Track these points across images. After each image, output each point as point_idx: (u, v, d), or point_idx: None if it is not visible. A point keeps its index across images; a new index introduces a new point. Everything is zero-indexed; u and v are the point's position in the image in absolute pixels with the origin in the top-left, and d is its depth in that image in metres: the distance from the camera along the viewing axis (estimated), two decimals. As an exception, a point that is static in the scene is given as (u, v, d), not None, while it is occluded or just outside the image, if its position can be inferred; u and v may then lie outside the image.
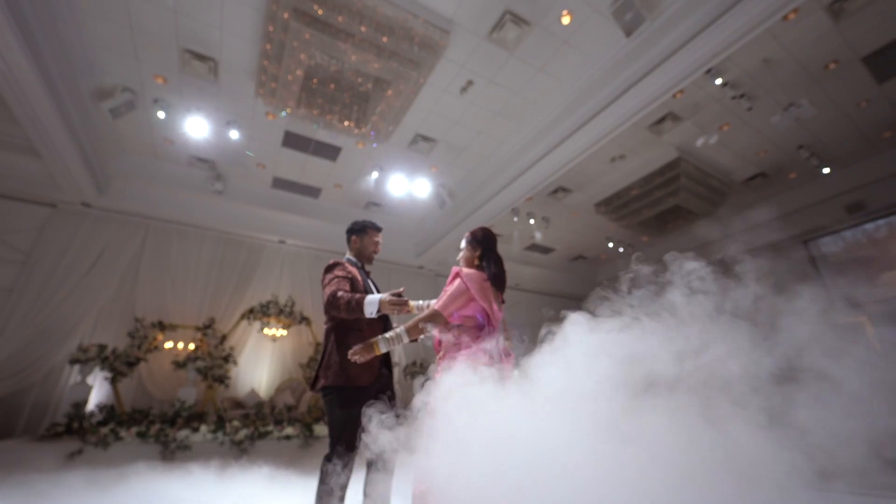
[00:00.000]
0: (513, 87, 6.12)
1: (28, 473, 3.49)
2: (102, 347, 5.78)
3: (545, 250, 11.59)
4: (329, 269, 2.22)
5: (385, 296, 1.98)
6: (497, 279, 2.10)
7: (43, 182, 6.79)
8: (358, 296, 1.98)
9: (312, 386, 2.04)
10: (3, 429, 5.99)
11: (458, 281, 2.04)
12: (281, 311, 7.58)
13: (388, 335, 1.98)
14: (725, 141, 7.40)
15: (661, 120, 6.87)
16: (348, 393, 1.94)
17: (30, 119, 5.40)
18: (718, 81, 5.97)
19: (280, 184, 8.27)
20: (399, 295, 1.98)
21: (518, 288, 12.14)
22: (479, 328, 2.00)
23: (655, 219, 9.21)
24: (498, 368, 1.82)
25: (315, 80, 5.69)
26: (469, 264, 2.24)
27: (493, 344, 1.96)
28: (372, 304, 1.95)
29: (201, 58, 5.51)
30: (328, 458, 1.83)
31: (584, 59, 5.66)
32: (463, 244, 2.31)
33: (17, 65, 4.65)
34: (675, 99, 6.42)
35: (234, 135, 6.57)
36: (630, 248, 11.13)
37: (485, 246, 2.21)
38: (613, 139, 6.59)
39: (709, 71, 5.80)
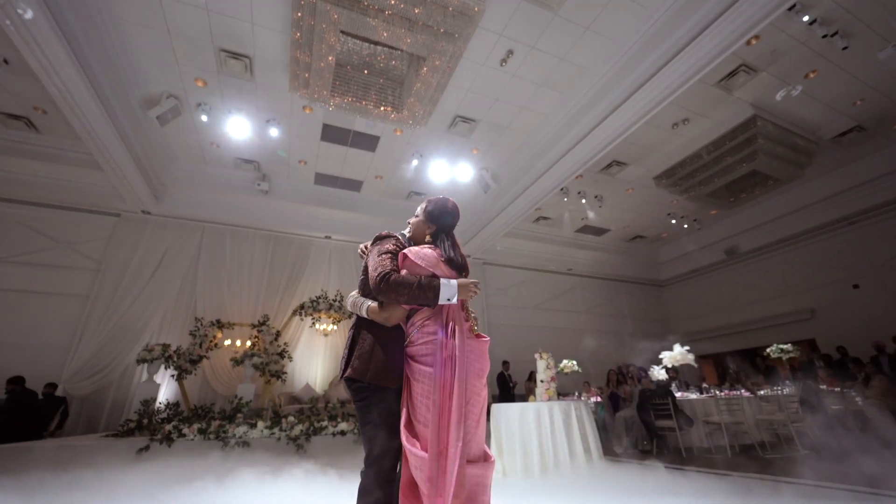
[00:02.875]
0: (558, 53, 5.58)
1: (89, 470, 3.65)
2: (166, 347, 6.04)
3: (599, 231, 10.84)
4: (380, 239, 1.87)
5: (464, 281, 1.69)
6: (454, 262, 1.79)
7: (106, 193, 7.21)
8: (432, 281, 1.66)
9: (343, 375, 1.73)
10: (90, 424, 6.50)
11: (408, 265, 1.75)
12: (331, 306, 7.60)
13: (358, 301, 1.79)
14: (812, 91, 6.37)
15: (733, 73, 6.01)
16: (392, 395, 1.66)
17: (88, 133, 5.67)
18: (805, 18, 5.07)
19: (322, 179, 8.27)
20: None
21: (571, 273, 11.50)
22: (441, 309, 1.69)
23: (727, 188, 8.23)
24: (463, 350, 1.62)
25: (348, 67, 5.50)
26: (418, 234, 1.96)
27: (458, 325, 1.67)
28: (450, 288, 1.65)
29: (236, 56, 5.49)
30: (367, 476, 1.57)
31: (640, 9, 5.01)
32: (419, 210, 1.99)
33: (71, 79, 4.84)
34: (749, 46, 5.57)
35: (274, 132, 6.59)
36: (696, 223, 10.12)
37: (440, 226, 1.91)
38: (675, 100, 5.85)
39: (792, 7, 4.93)
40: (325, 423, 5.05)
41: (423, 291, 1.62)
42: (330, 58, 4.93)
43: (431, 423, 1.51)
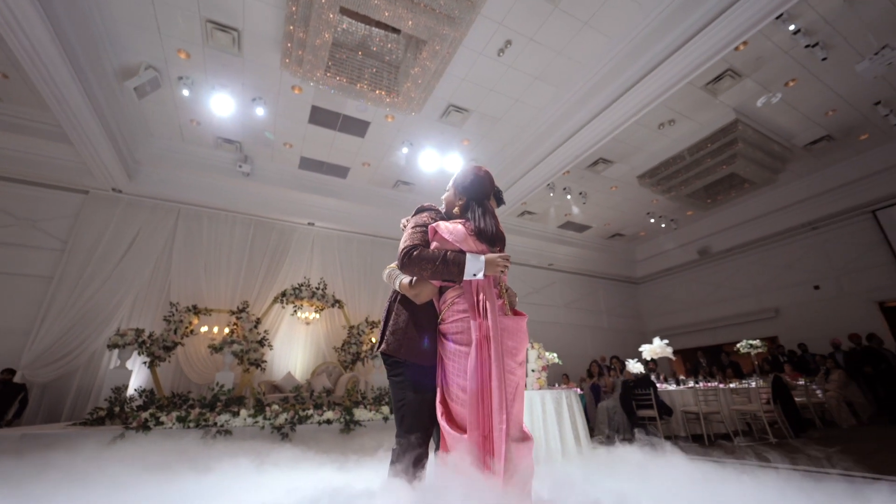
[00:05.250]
0: (555, 46, 5.60)
1: (60, 458, 3.41)
2: (139, 332, 5.73)
3: (581, 228, 11.05)
4: (418, 212, 1.86)
5: (492, 256, 1.62)
6: (484, 234, 1.70)
7: (74, 169, 6.74)
8: (455, 255, 1.59)
9: (378, 348, 1.73)
10: (51, 413, 6.10)
11: (434, 242, 1.72)
12: (313, 294, 7.42)
13: (393, 274, 1.79)
14: (790, 99, 6.67)
15: (719, 77, 6.21)
16: (425, 372, 1.64)
17: (57, 101, 5.27)
18: (791, 28, 5.29)
19: (307, 164, 8.03)
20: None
21: (552, 268, 11.68)
22: (471, 286, 1.67)
23: (705, 190, 8.55)
24: (499, 327, 1.57)
25: (342, 48, 5.34)
26: (450, 208, 1.91)
27: (490, 302, 1.62)
28: (477, 263, 1.58)
29: (224, 28, 5.22)
30: (398, 450, 1.55)
31: (638, 8, 5.08)
32: (449, 183, 1.94)
33: (40, 41, 4.47)
34: (737, 52, 5.76)
35: (259, 112, 6.33)
36: (673, 223, 10.47)
37: (470, 196, 1.82)
38: (663, 101, 6.00)
39: (779, 16, 5.14)
40: (310, 412, 4.93)
41: (447, 266, 1.58)
42: (326, 35, 4.76)
43: (470, 406, 1.48)
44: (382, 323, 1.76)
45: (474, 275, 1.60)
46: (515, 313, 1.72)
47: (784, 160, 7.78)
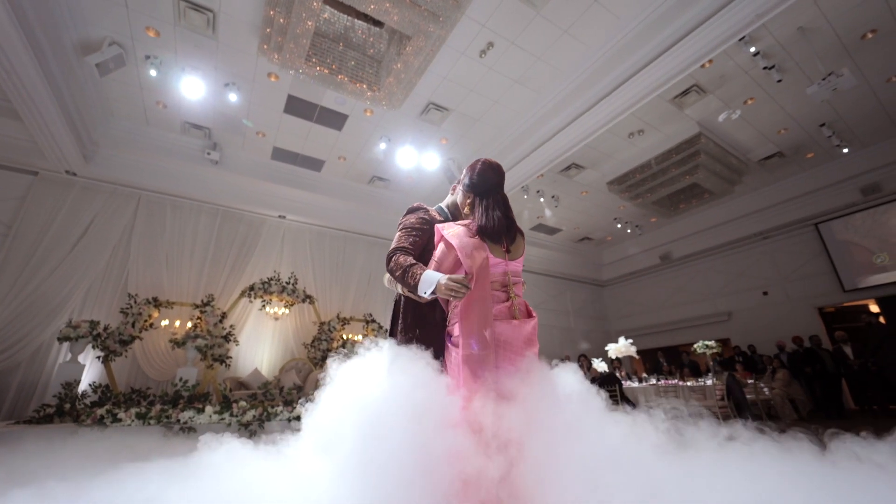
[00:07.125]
0: (535, 51, 5.73)
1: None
2: (94, 324, 5.38)
3: (551, 231, 11.33)
4: (408, 212, 1.84)
5: (444, 278, 1.51)
6: (485, 230, 1.63)
7: (23, 147, 6.25)
8: (418, 269, 1.58)
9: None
10: (-13, 411, 5.62)
11: (441, 244, 1.70)
12: (283, 289, 7.22)
13: (396, 281, 1.75)
14: (748, 117, 7.13)
15: (686, 92, 6.56)
16: None
17: (5, 71, 4.86)
18: (752, 50, 5.67)
19: (280, 155, 7.80)
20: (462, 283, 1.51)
21: (523, 269, 11.90)
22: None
23: (669, 198, 8.99)
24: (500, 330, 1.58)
25: (324, 38, 5.24)
26: (463, 208, 1.88)
27: (491, 305, 1.59)
28: (428, 282, 1.52)
29: (199, 8, 5.00)
30: None
31: (615, 21, 5.29)
32: (459, 186, 1.93)
33: (-10, 5, 4.12)
34: (703, 69, 6.10)
35: (232, 98, 6.09)
36: (638, 229, 10.93)
37: (476, 191, 1.76)
38: (634, 112, 6.27)
39: (742, 38, 5.50)
40: (280, 409, 4.81)
41: (405, 280, 1.59)
42: (309, 23, 4.66)
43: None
44: (391, 324, 1.82)
45: (425, 293, 1.54)
46: (530, 315, 1.70)
47: (741, 173, 8.30)
